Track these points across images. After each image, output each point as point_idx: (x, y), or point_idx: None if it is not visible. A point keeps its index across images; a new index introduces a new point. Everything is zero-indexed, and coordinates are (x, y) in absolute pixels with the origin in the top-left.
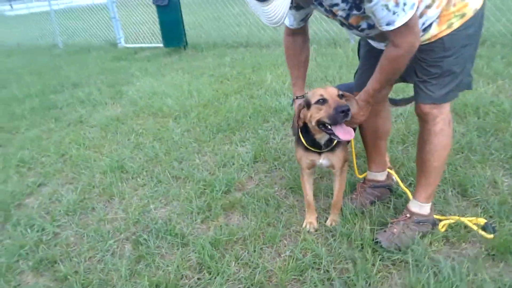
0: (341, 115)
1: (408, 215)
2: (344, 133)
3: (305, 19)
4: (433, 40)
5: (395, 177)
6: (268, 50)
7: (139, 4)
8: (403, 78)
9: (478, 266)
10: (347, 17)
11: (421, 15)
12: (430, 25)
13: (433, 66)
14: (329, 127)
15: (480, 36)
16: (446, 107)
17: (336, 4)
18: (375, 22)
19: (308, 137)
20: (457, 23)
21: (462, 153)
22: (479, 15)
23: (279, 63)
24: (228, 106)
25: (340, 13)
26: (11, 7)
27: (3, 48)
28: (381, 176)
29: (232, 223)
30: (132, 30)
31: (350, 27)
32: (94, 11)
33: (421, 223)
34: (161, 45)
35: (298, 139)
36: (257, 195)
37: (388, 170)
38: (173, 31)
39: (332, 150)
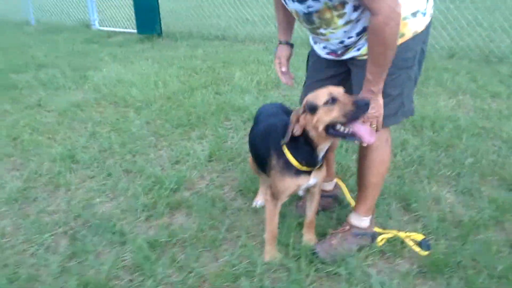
0: (364, 107)
1: (347, 227)
2: (370, 132)
3: None
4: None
5: (343, 187)
6: (242, 45)
7: None
8: None
9: (408, 283)
10: None
11: (357, 21)
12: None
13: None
14: (345, 130)
15: (421, 60)
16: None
17: None
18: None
19: (303, 153)
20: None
21: (412, 166)
22: (419, 39)
23: (251, 60)
24: (192, 100)
25: None
26: None
27: None
28: (328, 186)
29: (175, 223)
30: (107, 12)
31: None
32: None
33: (359, 236)
34: (135, 31)
35: (285, 163)
36: (205, 195)
37: (336, 179)
38: (147, 18)
39: (321, 165)
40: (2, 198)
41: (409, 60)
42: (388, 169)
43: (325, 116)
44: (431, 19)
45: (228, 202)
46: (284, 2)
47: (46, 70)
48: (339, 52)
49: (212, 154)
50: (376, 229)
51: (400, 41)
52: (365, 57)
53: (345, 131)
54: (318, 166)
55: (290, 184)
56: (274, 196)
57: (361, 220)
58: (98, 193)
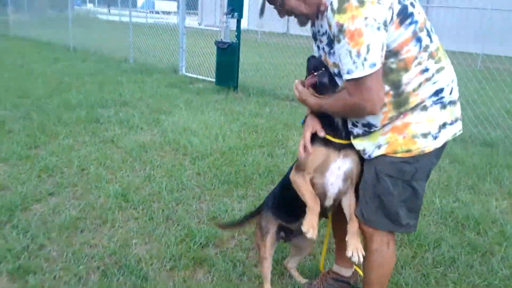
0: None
1: None
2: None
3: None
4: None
5: (361, 273)
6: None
7: (206, 35)
8: None
9: None
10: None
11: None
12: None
13: (365, 182)
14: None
15: (419, 179)
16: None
17: (323, 34)
18: (341, 70)
19: (323, 120)
20: (399, 154)
21: (441, 267)
22: (425, 158)
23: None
24: (244, 159)
25: (324, 42)
26: (109, 11)
27: (83, 51)
28: (346, 272)
29: (194, 279)
30: (194, 59)
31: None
32: (165, 31)
33: None
34: (214, 80)
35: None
36: (230, 256)
37: (355, 268)
38: (226, 72)
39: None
40: (56, 224)
41: (406, 173)
42: (391, 272)
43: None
44: (447, 143)
45: (248, 267)
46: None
47: (127, 109)
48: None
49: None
50: None
51: (402, 154)
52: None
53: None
54: (345, 140)
55: (318, 153)
56: (300, 167)
57: None
58: (137, 235)
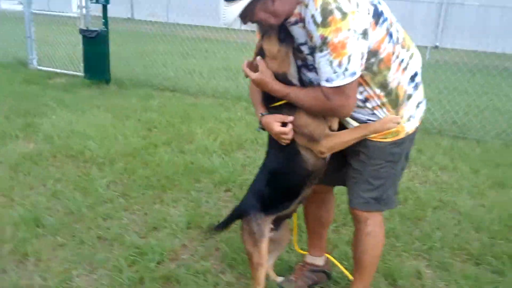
0: None
1: None
2: None
3: None
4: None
5: (334, 261)
6: (195, 99)
7: (59, 22)
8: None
9: None
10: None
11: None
12: None
13: (355, 170)
14: None
15: (403, 158)
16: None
17: (302, 44)
18: (318, 75)
19: None
20: (389, 139)
21: (388, 238)
22: (409, 138)
23: (209, 116)
24: (157, 159)
25: (305, 52)
26: None
27: None
28: (320, 261)
29: None
30: (47, 51)
31: (310, 66)
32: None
33: None
34: (80, 73)
35: None
36: (193, 267)
37: (326, 255)
38: (97, 64)
39: None
40: None
41: (395, 155)
42: (381, 252)
43: (271, 46)
44: (421, 121)
45: (219, 276)
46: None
47: None
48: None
49: (190, 220)
50: None
51: (392, 138)
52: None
53: None
54: None
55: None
56: (315, 139)
57: None
58: (74, 264)
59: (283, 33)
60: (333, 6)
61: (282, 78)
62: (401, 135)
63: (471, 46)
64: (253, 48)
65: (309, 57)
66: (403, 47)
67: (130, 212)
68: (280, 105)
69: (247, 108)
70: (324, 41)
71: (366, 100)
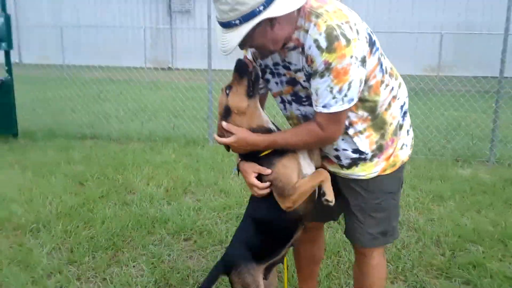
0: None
1: None
2: None
3: (261, 89)
4: (360, 178)
5: None
6: (122, 145)
7: None
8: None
9: None
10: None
11: (351, 137)
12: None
13: (357, 208)
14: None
15: (401, 188)
16: None
17: (299, 70)
18: (313, 101)
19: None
20: (388, 171)
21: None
22: (403, 167)
23: (142, 162)
24: (100, 215)
25: (302, 78)
26: None
27: None
28: None
29: None
30: None
31: (303, 99)
32: None
33: None
34: None
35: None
36: None
37: None
38: (2, 117)
39: None
40: None
41: (395, 185)
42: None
43: (239, 102)
44: (412, 147)
45: None
46: (289, 111)
47: None
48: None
49: (158, 279)
50: None
51: (391, 170)
52: (354, 177)
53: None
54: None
55: (289, 166)
56: (286, 191)
57: None
58: None
59: (251, 88)
60: (338, 32)
61: (260, 130)
62: (398, 165)
63: None
64: (163, 86)
65: (300, 89)
66: (391, 75)
67: (85, 281)
68: (262, 157)
69: (178, 149)
70: (328, 66)
71: (349, 125)
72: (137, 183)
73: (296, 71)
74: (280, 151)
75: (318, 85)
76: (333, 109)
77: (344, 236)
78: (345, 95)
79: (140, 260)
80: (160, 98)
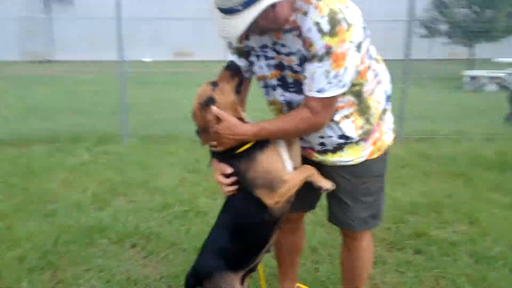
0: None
1: None
2: None
3: (246, 72)
4: (348, 163)
5: None
6: (21, 148)
7: None
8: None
9: None
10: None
11: (336, 122)
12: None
13: (346, 194)
14: None
15: (386, 169)
16: None
17: (293, 53)
18: (305, 86)
19: None
20: (375, 155)
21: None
22: (388, 150)
23: (53, 166)
24: (23, 232)
25: (294, 62)
26: None
27: None
28: None
29: None
30: None
31: (290, 85)
32: None
33: None
34: None
35: (265, 143)
36: None
37: (298, 284)
38: None
39: None
40: None
41: (381, 169)
42: None
43: (225, 98)
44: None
45: None
46: (272, 96)
47: None
48: (315, 150)
49: None
50: None
51: (377, 154)
52: (342, 163)
53: None
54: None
55: (275, 157)
56: (275, 185)
57: None
58: None
59: (240, 87)
60: (340, 16)
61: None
62: (384, 148)
63: None
64: (50, 81)
65: (289, 74)
66: (376, 61)
67: None
68: (240, 152)
69: (92, 148)
70: (329, 50)
71: (335, 111)
72: (55, 190)
73: (289, 54)
74: (260, 145)
75: (316, 69)
76: (327, 93)
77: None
78: (340, 80)
79: (87, 276)
80: (50, 94)
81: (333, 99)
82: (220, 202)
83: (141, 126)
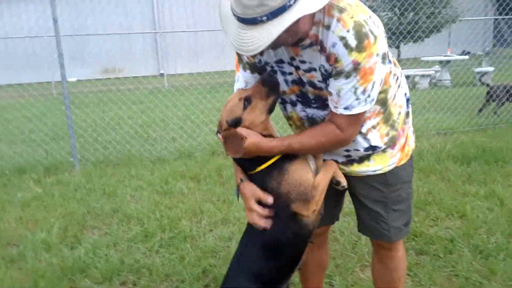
0: (271, 79)
1: None
2: None
3: None
4: (377, 173)
5: None
6: None
7: None
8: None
9: None
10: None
11: (364, 136)
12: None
13: (379, 204)
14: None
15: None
16: None
17: (314, 69)
18: (331, 102)
19: None
20: (403, 161)
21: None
22: (412, 154)
23: (2, 202)
24: None
25: (316, 78)
26: None
27: None
28: None
29: None
30: None
31: (312, 101)
32: None
33: None
34: None
35: (293, 157)
36: None
37: None
38: None
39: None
40: None
41: (410, 174)
42: None
43: (256, 117)
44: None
45: None
46: (291, 112)
47: None
48: (339, 161)
49: None
50: None
51: (405, 160)
52: (370, 173)
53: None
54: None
55: (304, 167)
56: (307, 196)
57: None
58: None
59: (273, 107)
60: (366, 29)
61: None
62: (410, 153)
63: (188, 69)
64: None
65: (310, 90)
66: (394, 65)
67: None
68: (265, 168)
69: (41, 180)
70: (357, 66)
71: (363, 123)
72: (13, 231)
73: (310, 70)
74: (290, 156)
75: (342, 85)
76: (355, 110)
77: None
78: (368, 96)
79: None
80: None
81: (361, 114)
82: (205, 223)
83: (91, 150)
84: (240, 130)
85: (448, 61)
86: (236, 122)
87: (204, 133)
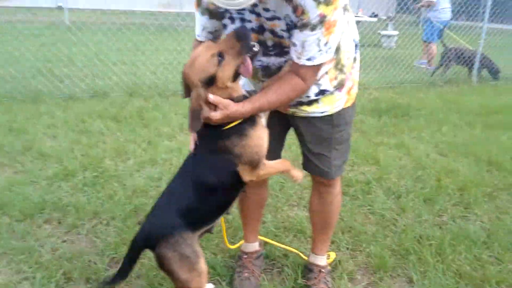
0: (245, 32)
1: (322, 270)
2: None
3: (213, 34)
4: (324, 114)
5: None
6: None
7: None
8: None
9: None
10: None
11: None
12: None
13: (323, 143)
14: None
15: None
16: None
17: (278, 18)
18: (294, 53)
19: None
20: (349, 103)
21: None
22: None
23: None
24: None
25: (279, 27)
26: None
27: None
28: (258, 245)
29: None
30: None
31: (270, 48)
32: None
33: (329, 273)
34: None
35: (250, 120)
36: None
37: (259, 237)
38: None
39: None
40: None
41: (352, 116)
42: None
43: (227, 72)
44: None
45: None
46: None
47: None
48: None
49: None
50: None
51: (351, 102)
52: (317, 114)
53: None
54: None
55: (265, 134)
56: (256, 160)
57: (325, 259)
58: None
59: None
60: None
61: (238, 99)
62: (354, 95)
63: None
64: None
65: (270, 37)
66: (346, 9)
67: None
68: (229, 128)
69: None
70: (323, 19)
71: None
72: None
73: (273, 18)
74: (250, 121)
75: (307, 37)
76: (317, 61)
77: None
78: (330, 47)
79: (6, 259)
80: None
81: (322, 64)
82: (132, 163)
83: None
84: (218, 100)
85: (358, 22)
86: (210, 81)
87: (121, 73)
